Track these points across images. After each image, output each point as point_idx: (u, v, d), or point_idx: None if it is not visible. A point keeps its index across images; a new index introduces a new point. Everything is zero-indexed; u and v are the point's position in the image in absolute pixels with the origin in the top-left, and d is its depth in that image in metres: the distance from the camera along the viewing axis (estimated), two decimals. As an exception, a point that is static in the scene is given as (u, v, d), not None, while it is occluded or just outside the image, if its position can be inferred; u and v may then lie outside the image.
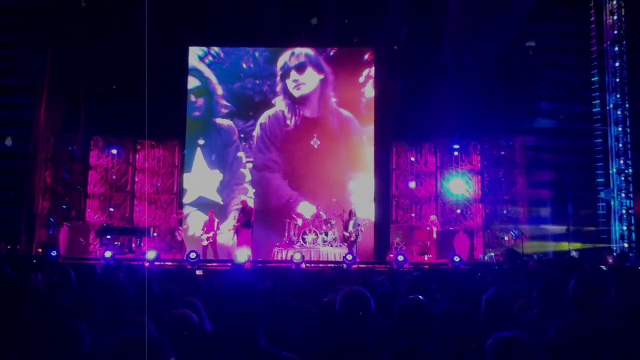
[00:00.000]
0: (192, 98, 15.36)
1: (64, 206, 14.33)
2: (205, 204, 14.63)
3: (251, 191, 14.99)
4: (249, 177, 15.10)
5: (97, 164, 14.85)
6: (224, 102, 15.33)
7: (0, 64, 14.44)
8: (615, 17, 13.62)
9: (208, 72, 15.42)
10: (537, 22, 14.38)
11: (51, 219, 13.82)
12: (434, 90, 14.21)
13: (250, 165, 15.15)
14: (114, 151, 14.84)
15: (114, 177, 14.93)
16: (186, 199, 15.01)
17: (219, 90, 15.34)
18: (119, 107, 13.95)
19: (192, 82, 15.37)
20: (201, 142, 15.20)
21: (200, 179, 15.07)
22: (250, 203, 14.45)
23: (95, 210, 14.61)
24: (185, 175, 15.13)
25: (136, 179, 15.09)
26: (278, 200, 14.78)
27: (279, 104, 15.30)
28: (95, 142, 14.84)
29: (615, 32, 13.60)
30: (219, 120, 15.29)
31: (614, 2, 13.64)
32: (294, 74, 15.34)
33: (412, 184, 14.98)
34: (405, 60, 14.68)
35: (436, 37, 14.41)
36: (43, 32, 13.98)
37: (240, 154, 15.20)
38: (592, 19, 14.24)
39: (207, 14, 14.77)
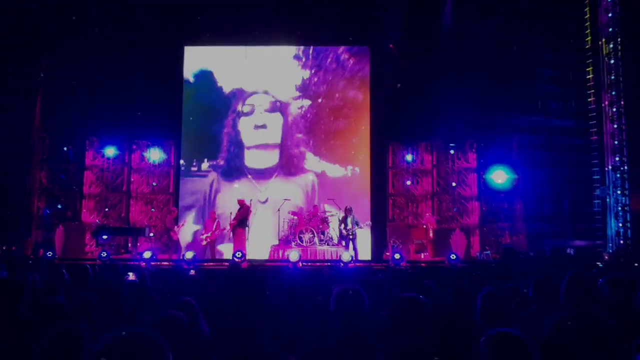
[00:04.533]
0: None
1: (60, 206, 14.28)
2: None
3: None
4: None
5: (93, 164, 14.82)
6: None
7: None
8: (610, 15, 13.62)
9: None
10: (532, 20, 14.39)
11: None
12: (430, 89, 14.21)
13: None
14: (110, 151, 14.78)
15: (109, 177, 14.89)
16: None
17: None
18: (114, 107, 13.93)
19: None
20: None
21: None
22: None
23: (91, 211, 14.57)
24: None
25: (132, 179, 15.05)
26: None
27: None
28: (90, 142, 14.81)
29: (610, 29, 13.60)
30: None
31: (609, 0, 13.65)
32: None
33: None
34: (401, 58, 14.67)
35: (432, 36, 14.41)
36: (38, 34, 13.92)
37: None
38: (587, 16, 14.25)
39: (202, 13, 14.74)
